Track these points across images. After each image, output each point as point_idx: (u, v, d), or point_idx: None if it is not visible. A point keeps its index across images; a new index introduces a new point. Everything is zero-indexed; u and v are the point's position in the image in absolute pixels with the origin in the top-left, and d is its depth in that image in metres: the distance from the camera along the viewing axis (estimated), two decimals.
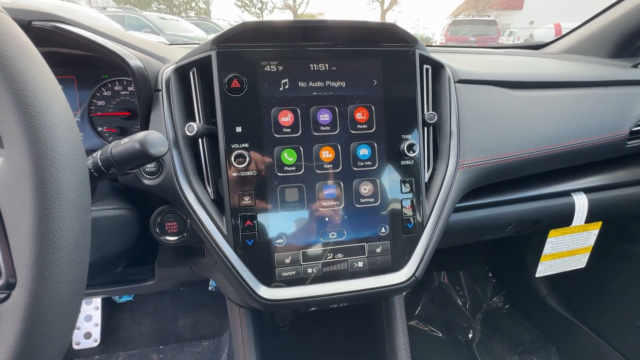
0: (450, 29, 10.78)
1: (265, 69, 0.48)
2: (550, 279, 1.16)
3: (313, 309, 0.60)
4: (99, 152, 0.36)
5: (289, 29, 0.48)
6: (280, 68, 0.48)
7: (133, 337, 1.11)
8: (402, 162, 0.51)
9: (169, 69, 0.49)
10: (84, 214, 0.25)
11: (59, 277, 0.23)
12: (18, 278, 0.22)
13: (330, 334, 0.65)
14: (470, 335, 1.15)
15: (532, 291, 1.19)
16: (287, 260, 0.49)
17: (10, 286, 0.22)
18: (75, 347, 1.08)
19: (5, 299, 0.23)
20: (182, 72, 0.49)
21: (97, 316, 1.10)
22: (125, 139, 0.35)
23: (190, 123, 0.45)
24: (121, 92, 0.60)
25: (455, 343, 1.13)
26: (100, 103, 0.60)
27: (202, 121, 0.48)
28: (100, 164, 0.35)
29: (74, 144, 0.25)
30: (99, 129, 0.61)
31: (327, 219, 0.50)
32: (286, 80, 0.48)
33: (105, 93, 0.60)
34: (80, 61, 0.58)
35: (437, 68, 0.56)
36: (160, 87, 0.49)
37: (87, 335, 1.10)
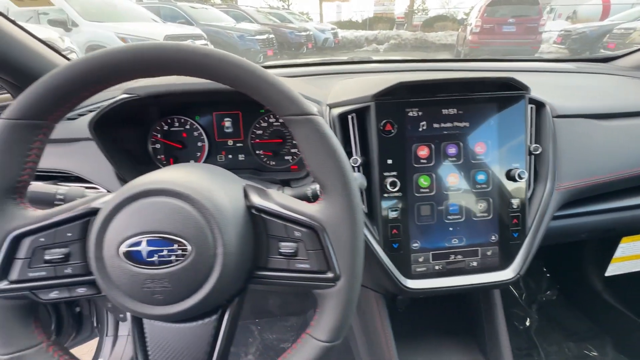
0: (487, 9, 10.29)
1: (409, 114, 0.62)
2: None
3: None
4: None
5: (429, 85, 0.61)
6: (420, 113, 0.62)
7: None
8: (511, 186, 0.65)
9: (334, 113, 0.65)
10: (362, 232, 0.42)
11: (360, 273, 0.40)
12: (342, 273, 0.39)
13: (435, 316, 0.81)
14: (527, 323, 1.28)
15: (587, 286, 1.30)
16: (420, 260, 0.65)
17: (336, 278, 0.39)
18: None
19: (333, 286, 0.40)
20: (342, 117, 0.64)
21: None
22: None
23: (355, 157, 0.61)
24: (274, 124, 0.77)
25: (514, 329, 1.26)
26: (258, 132, 0.77)
27: (359, 155, 0.64)
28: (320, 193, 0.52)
29: (358, 192, 0.41)
30: (257, 152, 0.78)
31: (450, 228, 0.65)
32: (424, 122, 0.63)
33: (262, 124, 0.77)
34: (243, 99, 0.75)
35: (540, 106, 0.68)
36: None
37: None
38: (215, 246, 0.37)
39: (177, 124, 0.75)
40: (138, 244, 0.35)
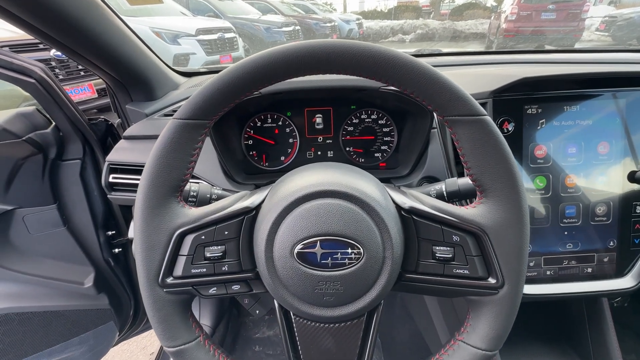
0: None
1: (528, 111, 0.59)
2: None
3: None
4: (443, 185, 0.51)
5: (552, 80, 0.58)
6: (540, 110, 0.59)
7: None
8: (636, 189, 0.60)
9: None
10: None
11: (524, 280, 0.38)
12: (506, 280, 0.38)
13: (529, 321, 0.78)
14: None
15: None
16: (531, 264, 0.62)
17: (499, 286, 0.38)
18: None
19: (495, 293, 0.38)
20: None
21: None
22: (466, 179, 0.50)
23: None
24: (366, 120, 0.75)
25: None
26: (350, 129, 0.76)
27: None
28: (446, 195, 0.50)
29: (526, 196, 0.38)
30: (347, 148, 0.77)
31: (565, 232, 0.62)
32: (543, 120, 0.59)
33: (354, 121, 0.75)
34: (335, 95, 0.74)
35: None
36: (435, 125, 0.63)
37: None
38: (385, 249, 0.36)
39: (269, 121, 0.75)
40: (312, 245, 0.35)
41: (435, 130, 0.63)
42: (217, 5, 7.80)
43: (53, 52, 2.59)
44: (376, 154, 0.77)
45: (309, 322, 0.41)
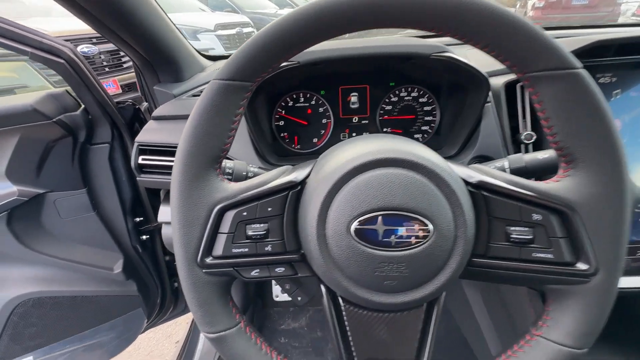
0: None
1: (600, 80, 0.52)
2: None
3: None
4: (506, 162, 0.45)
5: (628, 44, 0.50)
6: (614, 79, 0.52)
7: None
8: None
9: (497, 82, 0.56)
10: None
11: (622, 267, 0.32)
12: (601, 266, 0.32)
13: None
14: None
15: None
16: None
17: (592, 272, 0.32)
18: (275, 298, 1.33)
19: (586, 282, 0.33)
20: (510, 85, 0.56)
21: None
22: (533, 154, 0.44)
23: (528, 132, 0.53)
24: (405, 98, 0.70)
25: None
26: (387, 108, 0.71)
27: (528, 129, 0.55)
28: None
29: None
30: (385, 129, 0.72)
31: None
32: (619, 90, 0.52)
33: (392, 99, 0.70)
34: (373, 70, 0.69)
35: None
36: (489, 99, 0.57)
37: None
38: (457, 226, 0.31)
39: (302, 100, 0.71)
40: (373, 221, 0.31)
41: (490, 104, 0.56)
42: (235, 1, 7.83)
43: (79, 49, 2.65)
44: (416, 135, 0.71)
45: (361, 311, 0.37)
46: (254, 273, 0.37)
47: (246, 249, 0.36)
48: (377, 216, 0.30)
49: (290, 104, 0.71)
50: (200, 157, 0.34)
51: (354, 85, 0.70)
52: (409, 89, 0.69)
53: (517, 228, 0.34)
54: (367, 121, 0.72)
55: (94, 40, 3.04)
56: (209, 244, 0.35)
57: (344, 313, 0.37)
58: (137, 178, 0.67)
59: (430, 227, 0.30)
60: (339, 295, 0.37)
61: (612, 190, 0.31)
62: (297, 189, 0.36)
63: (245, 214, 0.36)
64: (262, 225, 0.36)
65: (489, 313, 0.74)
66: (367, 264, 0.31)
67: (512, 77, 0.55)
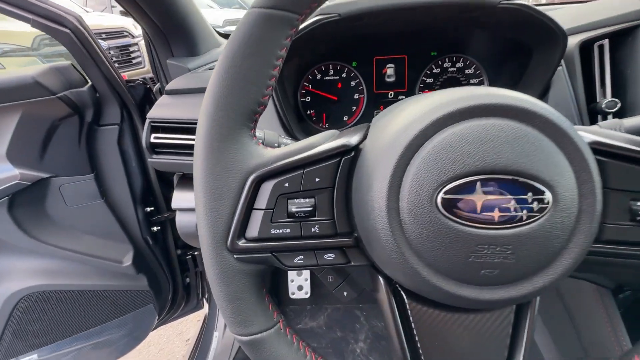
0: None
1: None
2: None
3: None
4: None
5: None
6: None
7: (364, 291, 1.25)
8: None
9: (571, 42, 0.48)
10: None
11: None
12: None
13: None
14: None
15: None
16: None
17: None
18: (291, 296, 1.26)
19: None
20: (586, 45, 0.47)
21: (306, 272, 1.26)
22: (635, 118, 0.35)
23: (612, 99, 0.44)
24: (449, 69, 0.62)
25: None
26: (428, 80, 0.62)
27: (609, 96, 0.46)
28: None
29: None
30: None
31: None
32: None
33: (435, 70, 0.62)
34: (410, 41, 0.61)
35: None
36: (561, 64, 0.48)
37: (300, 288, 1.26)
38: (582, 197, 0.23)
39: (331, 72, 0.63)
40: (469, 188, 0.23)
41: (561, 68, 0.48)
42: None
43: None
44: None
45: (431, 310, 0.29)
46: (298, 260, 0.29)
47: (288, 230, 0.28)
48: (474, 181, 0.23)
49: (319, 77, 0.63)
50: (234, 110, 0.27)
51: (390, 55, 0.62)
52: (454, 59, 0.61)
53: None
54: (404, 96, 0.64)
55: (104, 35, 3.01)
56: (242, 223, 0.28)
57: (409, 313, 0.29)
58: (149, 159, 0.60)
59: (549, 196, 0.22)
60: (402, 290, 0.30)
61: None
62: (350, 155, 0.28)
63: (287, 185, 0.28)
64: (307, 200, 0.28)
65: (547, 328, 0.66)
66: (458, 247, 0.23)
67: (588, 35, 0.46)
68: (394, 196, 0.24)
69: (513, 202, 0.22)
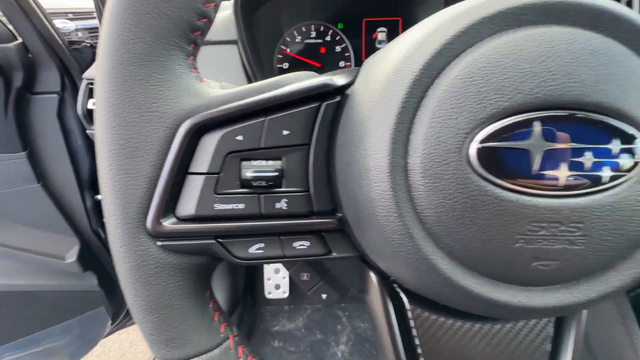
0: None
1: None
2: None
3: None
4: None
5: None
6: None
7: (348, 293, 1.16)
8: None
9: None
10: None
11: None
12: None
13: None
14: None
15: None
16: None
17: None
18: (268, 295, 1.17)
19: None
20: None
21: (284, 270, 1.17)
22: None
23: None
24: None
25: None
26: None
27: None
28: None
29: None
30: None
31: None
32: None
33: None
34: (405, 2, 0.53)
35: None
36: None
37: (277, 287, 1.17)
38: None
39: (313, 35, 0.54)
40: (520, 134, 0.14)
41: None
42: None
43: None
44: None
45: (443, 320, 0.20)
46: (256, 250, 0.20)
47: (241, 205, 0.19)
48: (529, 121, 0.14)
49: (299, 39, 0.54)
50: (158, 17, 0.17)
51: (382, 17, 0.54)
52: None
53: None
54: None
55: (70, 15, 2.78)
56: (170, 194, 0.18)
57: (412, 324, 0.21)
58: (87, 131, 0.49)
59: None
60: (402, 292, 0.21)
61: None
62: (334, 99, 0.19)
63: (240, 138, 0.19)
64: (271, 162, 0.19)
65: None
66: (500, 227, 0.15)
67: None
68: (401, 147, 0.15)
69: (589, 154, 0.14)
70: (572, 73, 0.14)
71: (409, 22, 0.53)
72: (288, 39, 0.54)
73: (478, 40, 0.15)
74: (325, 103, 0.19)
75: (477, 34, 0.15)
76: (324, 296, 0.33)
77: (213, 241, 0.20)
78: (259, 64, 0.47)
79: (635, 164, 0.14)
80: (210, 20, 0.19)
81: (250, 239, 0.20)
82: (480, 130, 0.14)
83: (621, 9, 0.15)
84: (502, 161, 0.14)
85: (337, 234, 0.21)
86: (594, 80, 0.14)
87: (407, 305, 0.21)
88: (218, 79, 0.24)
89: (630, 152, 0.14)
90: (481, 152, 0.14)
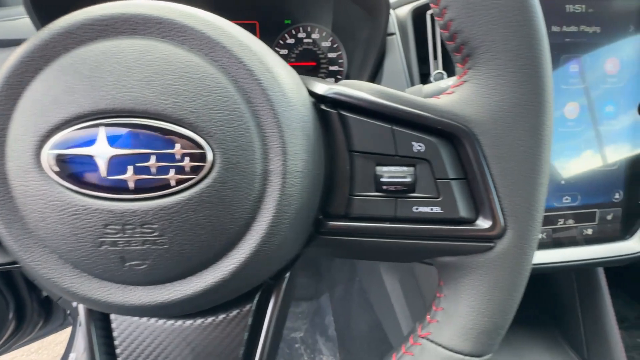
0: None
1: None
2: None
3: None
4: None
5: None
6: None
7: None
8: None
9: (404, 9, 0.44)
10: None
11: (540, 221, 0.20)
12: (508, 224, 0.20)
13: None
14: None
15: (636, 270, 1.16)
16: None
17: (498, 235, 0.20)
18: None
19: (489, 248, 0.20)
20: (417, 14, 0.44)
21: None
22: (435, 84, 0.32)
23: (439, 71, 0.41)
24: (304, 40, 0.56)
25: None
26: (282, 52, 0.56)
27: (439, 68, 0.44)
28: None
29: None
30: None
31: (562, 182, 0.46)
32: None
33: (288, 41, 0.55)
34: (261, 4, 0.53)
35: None
36: (394, 30, 0.44)
37: None
38: (267, 156, 0.17)
39: None
40: (87, 139, 0.15)
41: (394, 36, 0.44)
42: None
43: None
44: None
45: (140, 321, 0.21)
46: None
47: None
48: (95, 126, 0.15)
49: None
50: None
51: (239, 21, 0.54)
52: (308, 29, 0.55)
53: (392, 168, 0.21)
54: None
55: None
56: None
57: (112, 325, 0.21)
58: None
59: (209, 152, 0.15)
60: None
61: (527, 96, 0.19)
62: None
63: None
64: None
65: (407, 305, 0.64)
66: (82, 230, 0.15)
67: (421, 1, 0.43)
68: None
69: (154, 159, 0.15)
70: (129, 82, 0.15)
71: (265, 26, 0.54)
72: None
73: (55, 55, 0.15)
74: None
75: (55, 45, 0.15)
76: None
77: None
78: None
79: (198, 169, 0.15)
80: None
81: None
82: (50, 138, 0.15)
83: (173, 13, 0.16)
84: (73, 167, 0.15)
85: None
86: (151, 89, 0.15)
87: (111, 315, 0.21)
88: None
89: (191, 156, 0.15)
90: (53, 159, 0.15)
